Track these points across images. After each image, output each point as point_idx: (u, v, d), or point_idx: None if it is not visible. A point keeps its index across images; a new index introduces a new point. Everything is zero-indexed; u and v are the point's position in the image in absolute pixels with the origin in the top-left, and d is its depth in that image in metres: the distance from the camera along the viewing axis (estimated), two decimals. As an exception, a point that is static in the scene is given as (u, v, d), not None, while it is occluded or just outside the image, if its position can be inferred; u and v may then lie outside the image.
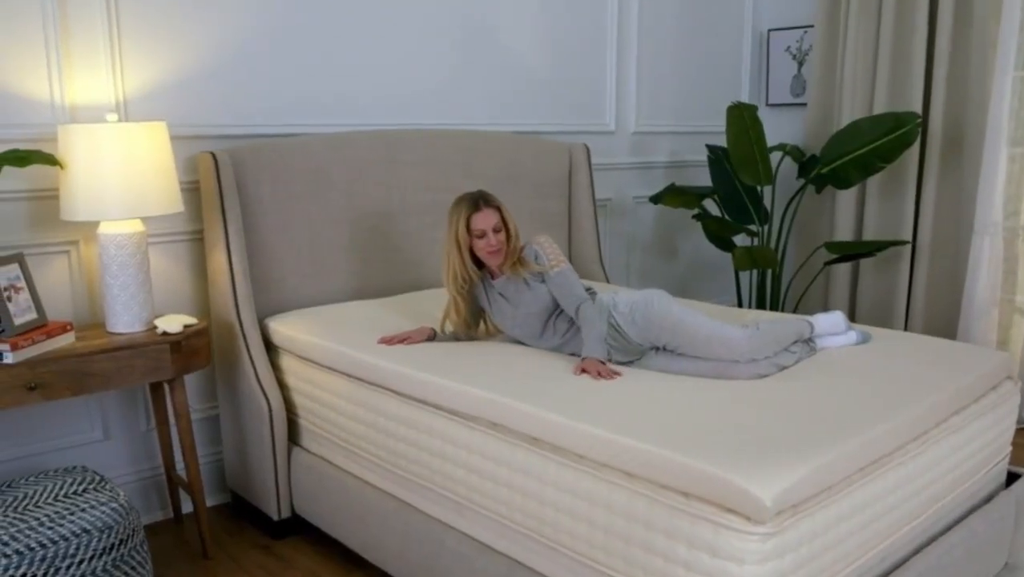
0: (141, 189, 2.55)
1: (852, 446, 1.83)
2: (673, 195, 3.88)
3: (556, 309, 2.59)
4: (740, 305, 4.27)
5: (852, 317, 4.46)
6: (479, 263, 2.64)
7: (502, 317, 2.67)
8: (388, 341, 2.66)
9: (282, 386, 2.89)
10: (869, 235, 4.28)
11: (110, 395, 2.90)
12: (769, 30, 4.76)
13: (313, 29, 3.18)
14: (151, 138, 2.58)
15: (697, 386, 2.24)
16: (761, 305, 4.13)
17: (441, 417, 2.29)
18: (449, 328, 2.75)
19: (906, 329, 4.25)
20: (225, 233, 2.83)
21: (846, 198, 4.34)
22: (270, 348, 2.94)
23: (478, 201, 2.55)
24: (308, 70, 3.19)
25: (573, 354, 2.56)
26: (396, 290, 3.28)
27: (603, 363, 2.36)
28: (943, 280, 4.15)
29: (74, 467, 2.53)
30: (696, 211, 4.17)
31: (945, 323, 4.14)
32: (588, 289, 2.68)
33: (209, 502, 3.11)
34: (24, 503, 2.29)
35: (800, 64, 4.66)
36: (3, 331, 2.36)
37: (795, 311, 4.25)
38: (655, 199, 3.98)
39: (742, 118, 3.67)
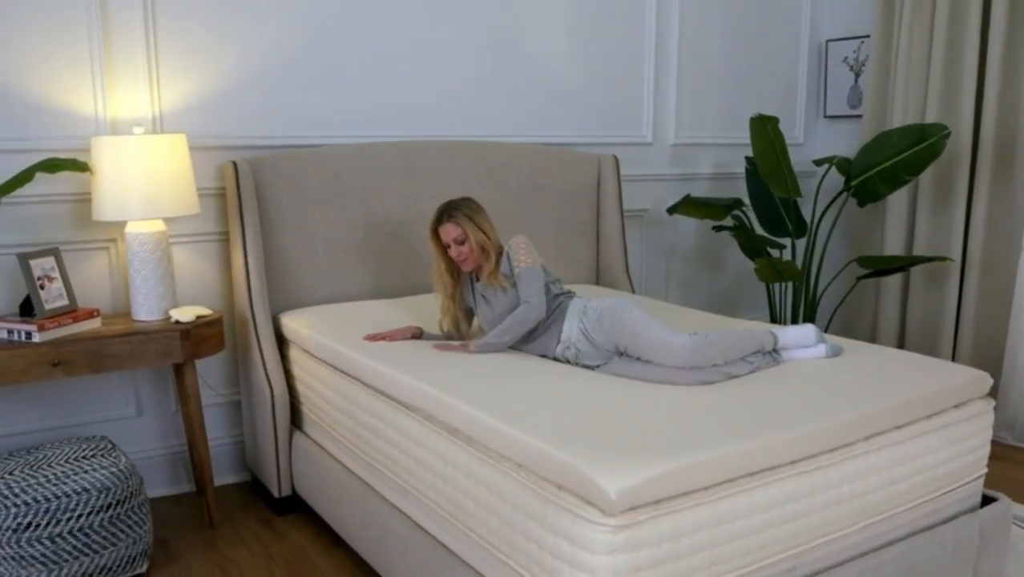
0: (161, 193, 2.88)
1: (726, 451, 1.86)
2: (689, 206, 3.90)
3: (527, 311, 2.71)
4: (773, 320, 4.21)
5: (901, 336, 4.31)
6: None
7: (483, 317, 2.82)
8: (372, 338, 2.86)
9: (289, 376, 3.16)
10: (920, 251, 4.13)
11: (143, 376, 3.25)
12: (827, 40, 4.67)
13: (342, 47, 3.44)
14: (171, 148, 2.91)
15: (631, 389, 2.31)
16: (795, 320, 4.06)
17: (391, 406, 2.47)
18: (445, 327, 2.93)
19: (955, 351, 4.07)
20: (243, 234, 3.13)
21: (896, 212, 4.21)
22: (283, 341, 3.22)
23: (442, 215, 2.73)
24: (336, 87, 3.45)
25: (544, 355, 2.68)
26: (410, 292, 3.48)
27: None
28: (994, 300, 3.95)
29: (94, 436, 2.88)
30: (731, 222, 4.15)
31: (996, 344, 3.94)
32: (566, 292, 2.80)
33: (230, 480, 3.43)
34: (40, 463, 2.65)
35: (857, 75, 4.54)
36: (34, 314, 2.73)
37: (827, 326, 4.16)
38: (671, 210, 4.00)
39: (765, 130, 3.65)
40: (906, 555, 2.22)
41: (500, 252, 2.78)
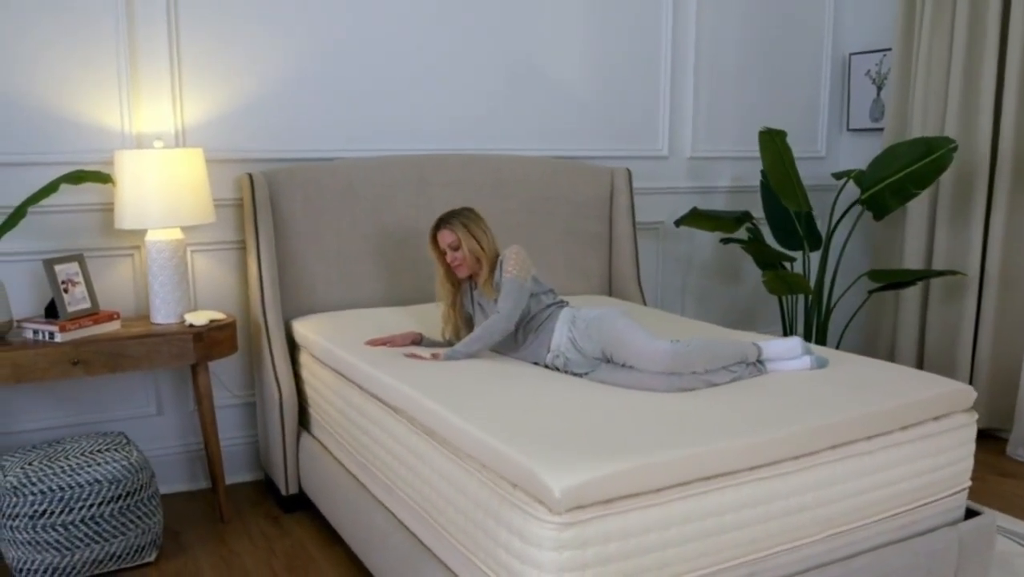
0: (178, 203, 3.05)
1: (679, 454, 1.91)
2: (697, 219, 3.93)
3: (519, 320, 2.79)
4: (786, 333, 4.20)
5: (920, 352, 4.26)
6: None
7: (479, 324, 2.92)
8: (374, 343, 2.97)
9: (299, 379, 3.30)
10: (939, 265, 4.09)
11: (164, 377, 3.43)
12: (851, 53, 4.66)
13: (358, 64, 3.58)
14: (188, 161, 3.08)
15: (609, 394, 2.38)
16: (808, 334, 4.06)
17: (381, 408, 2.58)
18: (447, 334, 3.03)
19: (972, 367, 4.01)
20: (257, 243, 3.28)
21: (915, 226, 4.18)
22: (295, 346, 3.36)
23: (440, 221, 2.84)
24: (352, 103, 3.59)
25: (536, 363, 2.77)
26: (420, 300, 3.59)
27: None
28: (1013, 315, 3.89)
29: (111, 432, 3.05)
30: (747, 235, 4.17)
31: (1015, 360, 3.87)
32: (558, 302, 2.88)
33: (246, 478, 3.59)
34: (58, 455, 2.83)
35: (879, 88, 4.52)
36: (58, 316, 2.92)
37: (840, 341, 4.14)
38: (678, 223, 4.04)
39: (774, 144, 3.67)
40: (873, 566, 2.23)
41: (495, 261, 2.87)
